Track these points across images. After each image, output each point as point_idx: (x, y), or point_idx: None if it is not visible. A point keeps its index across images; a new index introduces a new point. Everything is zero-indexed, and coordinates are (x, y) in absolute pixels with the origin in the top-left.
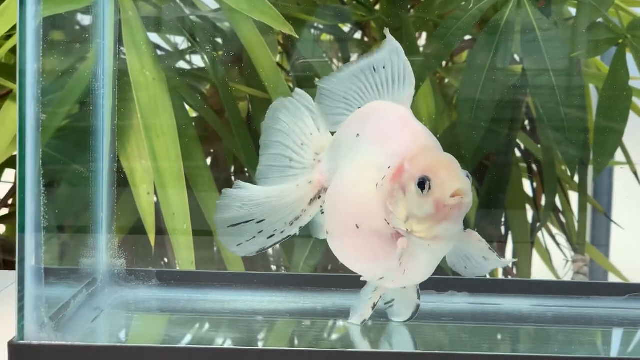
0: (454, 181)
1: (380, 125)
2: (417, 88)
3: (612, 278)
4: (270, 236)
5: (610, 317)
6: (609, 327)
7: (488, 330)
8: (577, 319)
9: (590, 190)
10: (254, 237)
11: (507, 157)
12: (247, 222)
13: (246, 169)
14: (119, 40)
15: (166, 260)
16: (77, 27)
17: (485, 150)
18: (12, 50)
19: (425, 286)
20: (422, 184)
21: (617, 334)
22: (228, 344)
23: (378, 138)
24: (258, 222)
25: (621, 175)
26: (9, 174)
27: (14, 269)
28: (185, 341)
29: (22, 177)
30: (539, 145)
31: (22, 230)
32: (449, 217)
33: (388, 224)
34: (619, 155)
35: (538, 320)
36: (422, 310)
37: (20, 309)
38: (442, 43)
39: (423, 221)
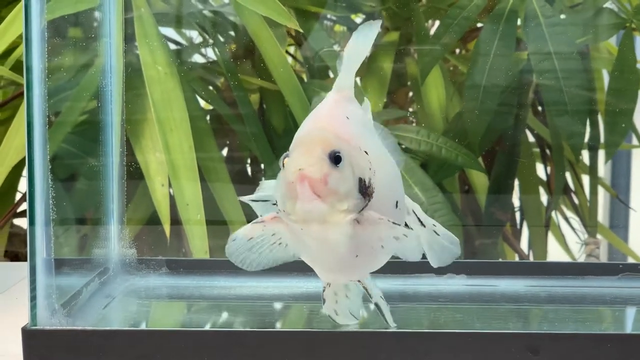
0: (300, 158)
1: None
2: (424, 77)
3: (631, 261)
4: None
5: (602, 296)
6: (601, 305)
7: (483, 310)
8: (570, 298)
9: (608, 173)
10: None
11: (516, 142)
12: (265, 201)
13: (260, 160)
14: (133, 36)
15: (183, 250)
16: (85, 26)
17: (493, 136)
18: None
19: (424, 269)
20: (282, 161)
21: (609, 312)
22: (236, 327)
23: None
24: (274, 204)
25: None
26: None
27: None
28: (194, 325)
29: (31, 171)
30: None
31: (33, 223)
32: (299, 196)
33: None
34: (634, 139)
35: (532, 300)
36: (419, 293)
37: (33, 298)
38: (448, 32)
39: (287, 200)
